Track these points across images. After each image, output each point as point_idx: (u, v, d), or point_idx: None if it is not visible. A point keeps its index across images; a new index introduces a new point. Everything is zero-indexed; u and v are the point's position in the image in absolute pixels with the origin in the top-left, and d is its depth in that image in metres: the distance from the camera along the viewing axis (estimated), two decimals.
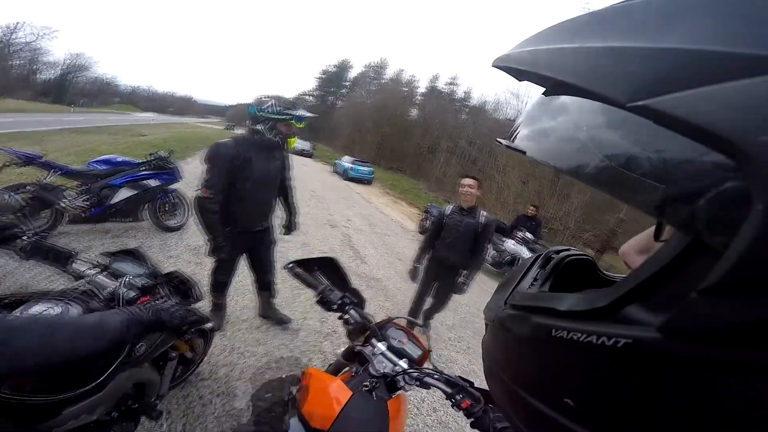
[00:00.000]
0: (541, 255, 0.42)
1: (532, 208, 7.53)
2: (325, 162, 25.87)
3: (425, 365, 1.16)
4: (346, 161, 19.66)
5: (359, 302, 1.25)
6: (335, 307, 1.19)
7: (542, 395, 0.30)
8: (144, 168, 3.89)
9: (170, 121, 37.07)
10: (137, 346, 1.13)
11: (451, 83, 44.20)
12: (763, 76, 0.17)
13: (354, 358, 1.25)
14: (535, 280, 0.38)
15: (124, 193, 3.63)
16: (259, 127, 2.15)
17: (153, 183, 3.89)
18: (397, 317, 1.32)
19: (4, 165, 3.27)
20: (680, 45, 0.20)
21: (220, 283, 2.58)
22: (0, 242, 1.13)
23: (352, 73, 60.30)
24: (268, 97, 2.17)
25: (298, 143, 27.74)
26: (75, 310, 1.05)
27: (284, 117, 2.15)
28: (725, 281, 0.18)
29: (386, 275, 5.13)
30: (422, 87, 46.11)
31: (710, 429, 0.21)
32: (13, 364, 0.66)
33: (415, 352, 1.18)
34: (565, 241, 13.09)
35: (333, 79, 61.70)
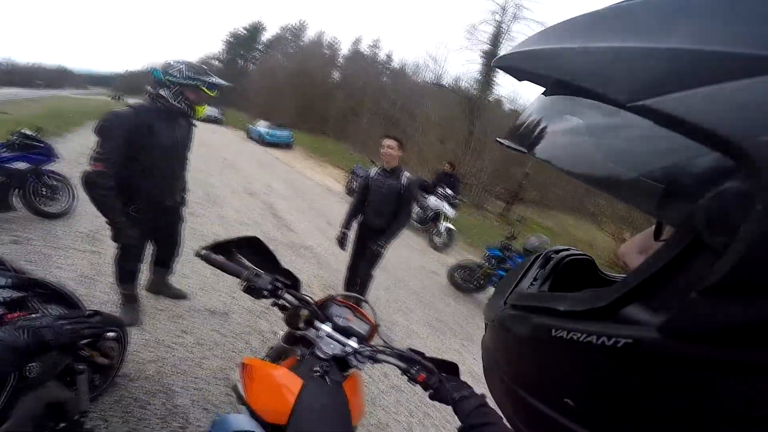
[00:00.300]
0: (540, 255, 0.42)
1: (447, 165, 7.92)
2: (239, 128, 23.80)
3: (374, 340, 1.14)
4: (261, 126, 18.46)
5: (293, 284, 1.12)
6: (266, 293, 1.05)
7: (542, 395, 0.30)
8: (5, 150, 3.28)
9: (40, 95, 30.14)
10: (26, 369, 0.96)
11: (373, 46, 44.72)
12: (763, 76, 0.17)
13: (297, 342, 1.18)
14: (535, 280, 0.38)
15: None
16: (163, 92, 1.96)
17: (21, 165, 3.30)
18: (338, 294, 1.26)
19: None
20: (680, 45, 0.20)
21: (129, 271, 2.31)
22: None
23: (266, 36, 56.20)
24: (177, 61, 1.99)
25: (206, 109, 24.91)
26: None
27: (194, 83, 1.99)
28: (725, 281, 0.18)
29: (317, 242, 5.05)
30: (345, 50, 45.44)
31: (710, 429, 0.21)
32: None
33: (363, 328, 1.14)
34: (479, 195, 14.30)
35: (243, 43, 57.12)
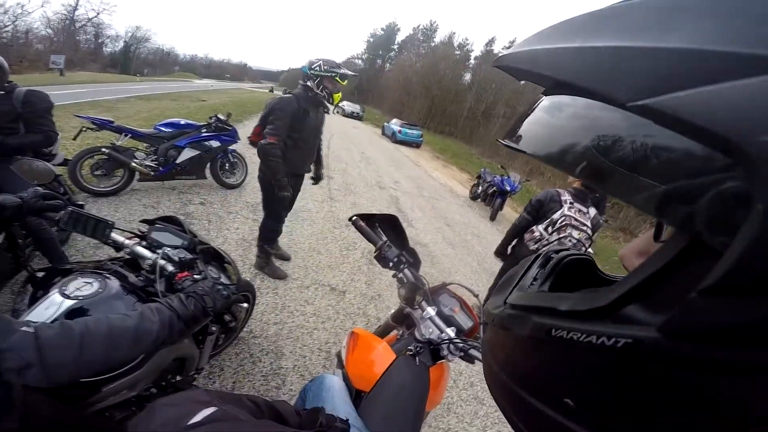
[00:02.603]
0: (540, 254, 0.42)
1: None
2: (374, 125, 25.77)
3: (475, 338, 1.13)
4: (395, 124, 19.46)
5: (415, 263, 1.23)
6: (391, 264, 1.18)
7: (542, 395, 0.30)
8: (205, 130, 4.17)
9: (227, 86, 38.82)
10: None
11: (509, 47, 43.45)
12: (763, 76, 0.17)
13: (403, 321, 1.25)
14: (535, 279, 0.38)
15: (188, 153, 3.94)
16: (309, 83, 2.48)
17: (214, 144, 4.21)
18: (452, 283, 1.28)
19: (81, 130, 3.58)
20: (680, 44, 0.20)
21: (274, 231, 2.88)
22: (38, 212, 1.06)
23: (401, 36, 59.49)
24: (317, 58, 2.49)
25: (347, 105, 28.13)
26: (113, 282, 1.05)
27: (330, 74, 2.46)
28: (725, 281, 0.18)
29: (433, 240, 5.07)
30: (477, 51, 45.02)
31: (710, 429, 0.21)
32: (49, 379, 0.67)
33: (466, 323, 1.14)
34: (629, 216, 11.95)
35: (381, 43, 61.93)
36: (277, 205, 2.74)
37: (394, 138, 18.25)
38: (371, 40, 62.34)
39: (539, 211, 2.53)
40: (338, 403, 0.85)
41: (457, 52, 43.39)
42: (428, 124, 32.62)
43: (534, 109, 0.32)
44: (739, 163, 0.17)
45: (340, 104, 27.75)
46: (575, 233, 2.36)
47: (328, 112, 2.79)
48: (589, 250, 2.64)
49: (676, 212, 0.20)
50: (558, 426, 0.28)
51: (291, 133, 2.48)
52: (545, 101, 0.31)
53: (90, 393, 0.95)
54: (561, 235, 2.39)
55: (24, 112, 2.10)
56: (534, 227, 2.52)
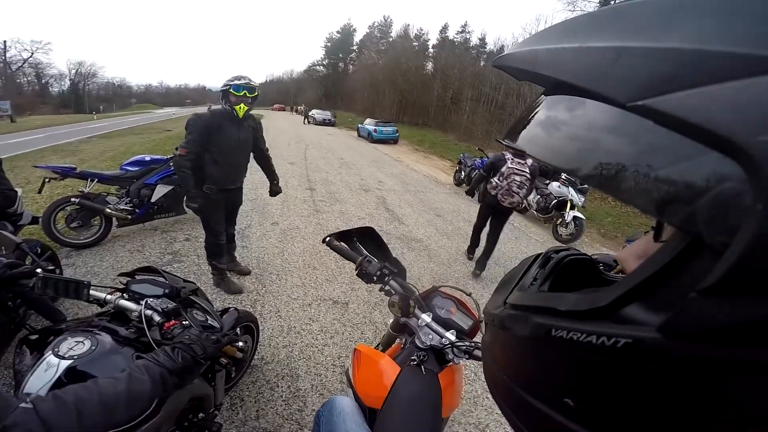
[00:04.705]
0: (540, 254, 0.42)
1: None
2: (349, 128, 25.70)
3: (477, 335, 1.11)
4: (369, 124, 19.46)
5: (399, 272, 1.19)
6: (375, 278, 1.13)
7: (542, 395, 0.30)
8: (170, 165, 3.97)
9: (191, 111, 38.17)
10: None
11: (462, 31, 44.64)
12: (763, 76, 0.17)
13: (403, 330, 1.22)
14: (535, 279, 0.38)
15: (161, 190, 3.78)
16: (222, 100, 2.57)
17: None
18: (443, 285, 1.25)
19: (44, 181, 3.44)
20: (680, 45, 0.20)
21: (218, 245, 2.85)
22: (9, 283, 1.07)
23: (358, 36, 59.57)
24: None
25: (318, 114, 28.02)
26: (105, 338, 1.06)
27: (226, 87, 2.53)
28: (725, 281, 0.18)
29: (426, 234, 5.05)
30: (433, 39, 45.69)
31: (710, 428, 0.21)
32: None
33: (465, 322, 1.13)
34: None
35: (339, 46, 61.74)
36: (210, 221, 2.75)
37: (370, 138, 18.23)
38: (329, 44, 61.96)
39: (492, 169, 3.61)
40: (350, 428, 0.84)
41: (415, 44, 43.91)
42: (402, 119, 32.77)
43: (534, 109, 0.32)
44: (739, 163, 0.17)
45: (310, 114, 27.74)
46: (517, 178, 3.44)
47: (255, 127, 2.79)
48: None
49: (677, 212, 0.20)
50: (558, 426, 0.28)
51: (208, 147, 2.52)
52: (545, 101, 0.31)
53: None
54: (508, 180, 3.45)
55: None
56: (491, 179, 3.60)
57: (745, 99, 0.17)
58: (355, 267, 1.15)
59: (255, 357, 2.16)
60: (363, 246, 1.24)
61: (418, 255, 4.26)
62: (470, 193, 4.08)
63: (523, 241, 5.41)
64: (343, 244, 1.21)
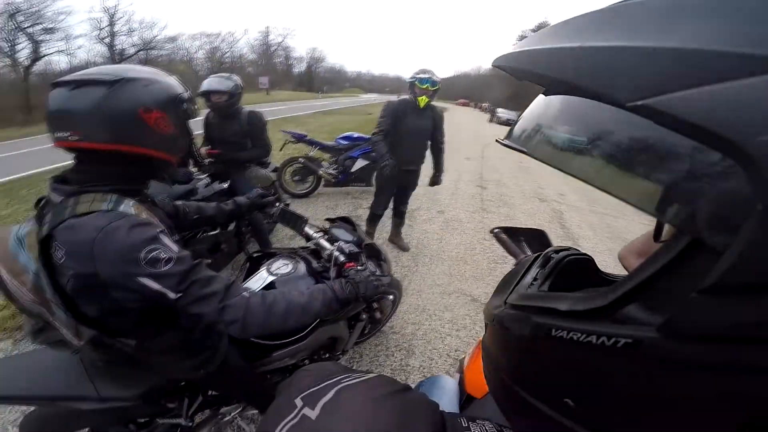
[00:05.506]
0: (540, 254, 0.41)
1: None
2: None
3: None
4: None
5: None
6: None
7: (542, 395, 0.30)
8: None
9: (387, 99, 43.06)
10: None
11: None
12: (763, 76, 0.17)
13: None
14: (535, 279, 0.37)
15: (359, 163, 4.65)
16: (409, 90, 2.88)
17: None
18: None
19: (285, 143, 4.76)
20: (680, 45, 0.20)
21: (376, 215, 3.29)
22: (260, 209, 1.41)
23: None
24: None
25: (503, 113, 27.76)
26: (302, 266, 1.37)
27: (411, 80, 2.81)
28: (725, 281, 0.18)
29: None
30: None
31: (709, 427, 0.21)
32: (243, 333, 0.86)
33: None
34: None
35: None
36: (383, 191, 3.19)
37: None
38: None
39: None
40: (445, 404, 0.86)
41: None
42: None
43: (534, 109, 0.31)
44: (739, 163, 0.17)
45: (496, 112, 27.17)
46: None
47: (435, 117, 3.02)
48: None
49: (677, 212, 0.20)
50: (558, 425, 0.28)
51: (395, 128, 2.84)
52: (545, 101, 0.30)
53: (264, 355, 1.24)
54: None
55: (249, 130, 2.62)
56: None
57: (745, 99, 0.17)
58: (515, 264, 1.12)
59: (387, 324, 2.34)
60: (530, 248, 1.18)
61: None
62: None
63: None
64: (508, 238, 1.18)
